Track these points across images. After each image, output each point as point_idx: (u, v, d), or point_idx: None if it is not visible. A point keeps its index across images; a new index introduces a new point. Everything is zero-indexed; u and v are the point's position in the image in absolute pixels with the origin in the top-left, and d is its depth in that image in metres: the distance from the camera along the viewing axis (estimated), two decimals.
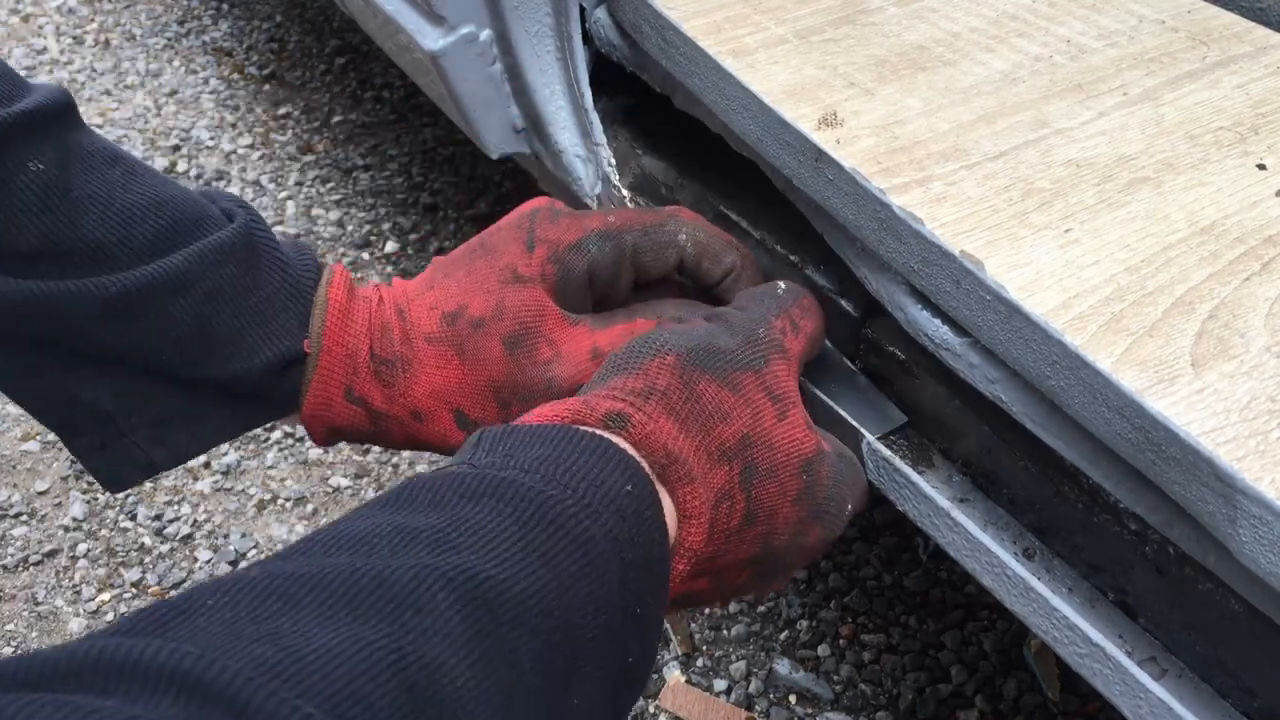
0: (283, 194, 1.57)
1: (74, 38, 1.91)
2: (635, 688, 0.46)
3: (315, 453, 1.23)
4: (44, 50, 1.87)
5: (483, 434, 0.47)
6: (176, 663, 0.31)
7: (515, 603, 0.39)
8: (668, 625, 1.03)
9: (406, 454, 1.22)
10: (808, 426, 0.58)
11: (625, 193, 0.73)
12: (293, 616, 0.35)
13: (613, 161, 0.81)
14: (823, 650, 1.01)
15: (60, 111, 0.59)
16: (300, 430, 1.25)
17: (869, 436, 0.62)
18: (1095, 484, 0.54)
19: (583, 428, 0.48)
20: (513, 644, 0.38)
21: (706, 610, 1.04)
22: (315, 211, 1.54)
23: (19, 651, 1.03)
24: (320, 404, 0.63)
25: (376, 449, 1.23)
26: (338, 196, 1.57)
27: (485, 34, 0.80)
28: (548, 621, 0.40)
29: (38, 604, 1.08)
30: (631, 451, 0.48)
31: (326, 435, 0.65)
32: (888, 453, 0.62)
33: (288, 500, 1.18)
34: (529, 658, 0.39)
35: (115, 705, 0.30)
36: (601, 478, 0.45)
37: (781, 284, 0.64)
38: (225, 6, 2.00)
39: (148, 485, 1.19)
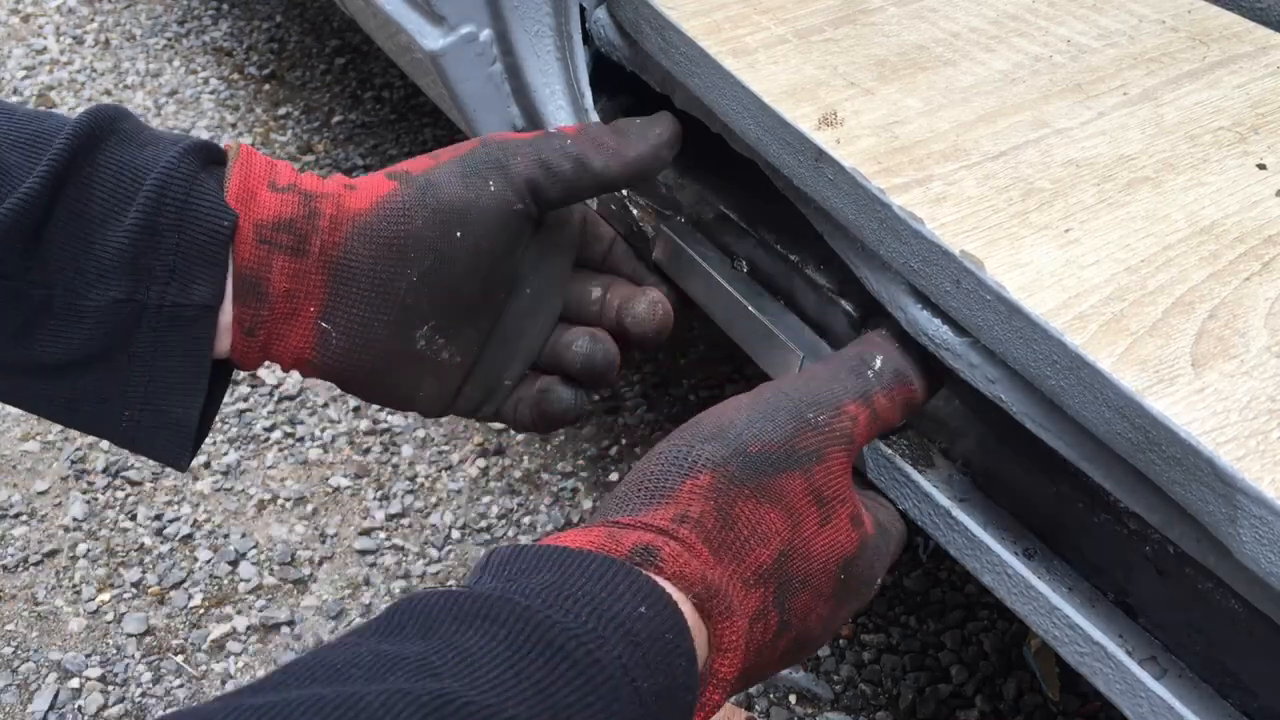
0: None
1: (74, 38, 1.91)
2: None
3: (315, 453, 1.23)
4: (44, 50, 1.87)
5: (491, 553, 0.45)
6: None
7: None
8: None
9: (406, 454, 1.22)
10: (852, 524, 0.54)
11: (624, 191, 0.73)
12: None
13: None
14: (822, 650, 1.01)
15: None
16: (300, 429, 1.25)
17: None
18: (1095, 484, 0.54)
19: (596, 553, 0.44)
20: None
21: None
22: None
23: (17, 651, 1.04)
24: (243, 192, 0.56)
25: (377, 449, 1.23)
26: None
27: (485, 34, 0.80)
28: None
29: (38, 604, 1.08)
30: (662, 583, 0.45)
31: (253, 247, 0.55)
32: (889, 451, 0.62)
33: (288, 500, 1.18)
34: None
35: None
36: (610, 601, 0.41)
37: (880, 357, 0.57)
38: (225, 6, 2.00)
39: (147, 485, 1.19)
